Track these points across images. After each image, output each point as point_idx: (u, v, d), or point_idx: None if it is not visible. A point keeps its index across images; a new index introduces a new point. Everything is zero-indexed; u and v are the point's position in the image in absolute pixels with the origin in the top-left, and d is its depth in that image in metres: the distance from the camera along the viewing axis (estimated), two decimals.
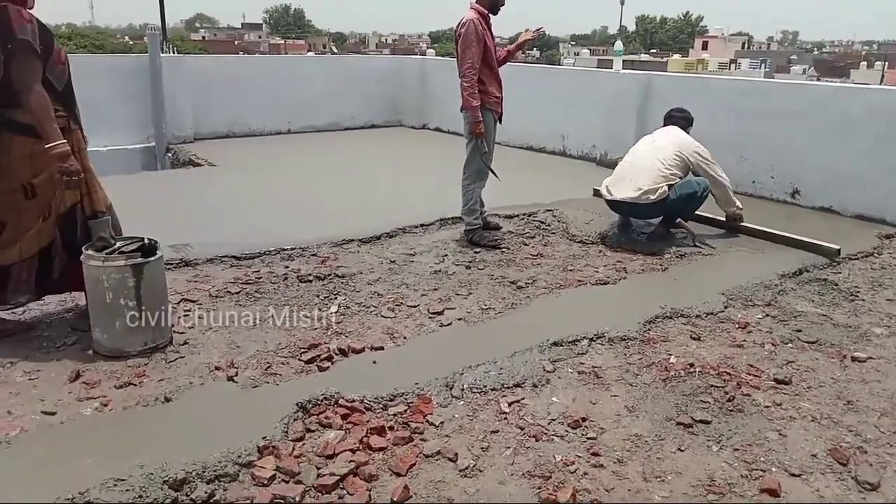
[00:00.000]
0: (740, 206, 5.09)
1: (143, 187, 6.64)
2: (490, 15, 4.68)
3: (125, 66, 8.41)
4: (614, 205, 5.01)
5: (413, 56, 14.84)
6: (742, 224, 5.13)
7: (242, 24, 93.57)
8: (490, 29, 4.68)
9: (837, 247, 4.63)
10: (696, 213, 5.16)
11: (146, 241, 3.18)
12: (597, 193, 5.60)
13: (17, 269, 3.15)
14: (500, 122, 4.88)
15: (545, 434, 2.58)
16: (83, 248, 3.06)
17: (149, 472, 2.23)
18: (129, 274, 2.99)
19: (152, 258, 3.08)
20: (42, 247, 3.15)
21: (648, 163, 4.83)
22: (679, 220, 5.01)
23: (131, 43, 43.73)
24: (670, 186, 4.72)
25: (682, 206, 4.85)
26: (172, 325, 3.30)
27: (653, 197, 4.68)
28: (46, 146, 2.94)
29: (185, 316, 3.53)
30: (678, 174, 4.80)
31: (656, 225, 5.07)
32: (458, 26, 4.63)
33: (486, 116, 4.63)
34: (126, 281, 2.99)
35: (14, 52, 2.89)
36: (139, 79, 8.21)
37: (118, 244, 3.11)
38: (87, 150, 3.33)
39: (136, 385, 2.85)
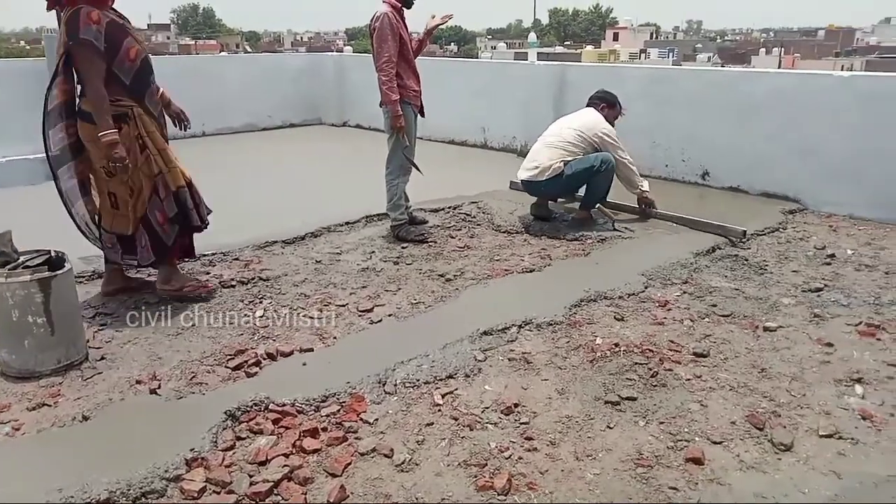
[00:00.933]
0: (645, 188, 5.14)
1: (48, 198, 6.26)
2: (404, 8, 4.67)
3: (21, 72, 7.90)
4: (525, 186, 5.16)
5: (330, 53, 14.64)
6: (655, 210, 5.23)
7: (149, 25, 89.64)
8: (404, 22, 4.67)
9: (743, 229, 4.79)
10: (614, 201, 5.30)
11: (53, 253, 3.01)
12: (514, 186, 5.74)
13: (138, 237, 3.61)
14: (423, 116, 4.89)
15: (479, 423, 2.61)
16: None
17: (68, 496, 2.12)
18: (35, 289, 2.83)
19: (60, 271, 2.92)
20: (141, 217, 3.57)
21: (549, 143, 5.01)
22: (599, 205, 5.15)
23: (27, 48, 41.28)
24: (566, 163, 4.86)
25: (581, 180, 4.95)
26: (88, 340, 3.15)
27: (547, 174, 4.86)
28: (98, 134, 3.31)
29: (100, 329, 3.37)
30: (577, 153, 4.92)
31: (577, 210, 5.21)
32: (372, 20, 4.59)
33: (405, 110, 4.62)
34: (33, 297, 2.83)
35: (76, 50, 3.26)
36: (37, 85, 7.69)
37: (22, 258, 2.94)
38: None
39: (50, 406, 2.70)
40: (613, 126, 5.14)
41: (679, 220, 5.12)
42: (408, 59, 4.66)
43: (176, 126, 3.88)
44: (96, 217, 3.69)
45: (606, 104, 5.21)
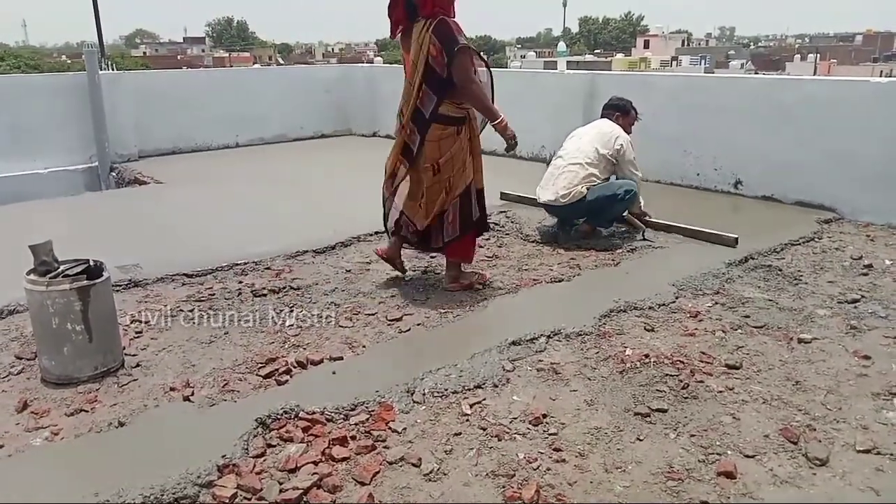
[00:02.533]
0: (644, 211, 5.07)
1: (87, 208, 6.47)
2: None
3: (63, 85, 8.17)
4: (546, 208, 5.08)
5: (360, 64, 14.80)
6: (649, 219, 5.09)
7: (185, 39, 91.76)
8: None
9: (735, 236, 4.70)
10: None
11: (91, 262, 3.09)
12: (504, 196, 5.81)
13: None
14: None
15: (507, 433, 2.61)
16: (25, 274, 2.97)
17: (105, 500, 2.17)
18: (74, 297, 2.90)
19: (98, 280, 3.00)
20: (437, 214, 3.91)
21: (568, 164, 4.86)
22: (627, 216, 5.10)
23: (69, 62, 42.49)
24: (589, 188, 4.75)
25: (601, 208, 4.83)
26: (124, 348, 3.23)
27: (565, 200, 4.77)
28: (492, 122, 3.86)
29: (136, 337, 3.45)
30: (598, 175, 4.80)
31: (582, 222, 5.08)
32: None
33: None
34: (72, 305, 2.91)
35: (457, 55, 3.60)
36: (78, 98, 8.00)
37: (62, 267, 3.02)
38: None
39: (87, 411, 2.77)
40: (630, 132, 5.07)
41: (671, 228, 5.01)
42: None
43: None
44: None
45: (620, 113, 5.11)
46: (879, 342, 3.36)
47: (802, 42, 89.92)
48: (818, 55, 47.77)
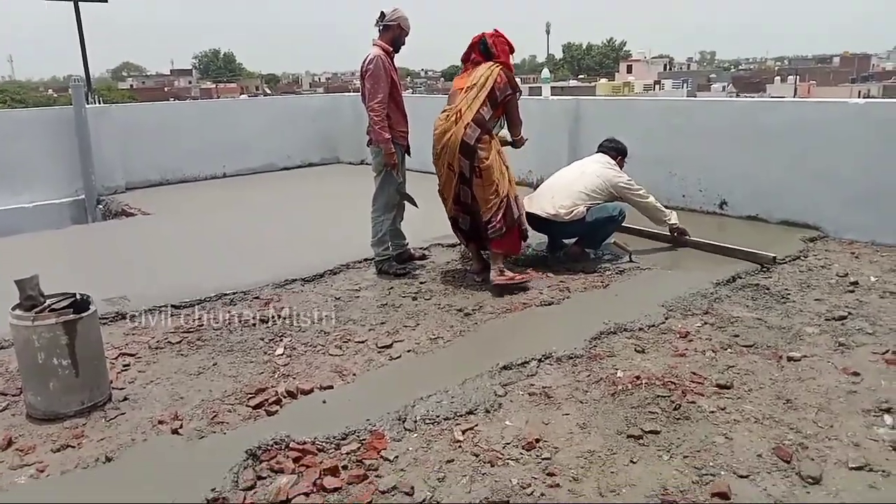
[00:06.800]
0: (673, 220, 5.19)
1: (74, 241, 6.44)
2: (393, 52, 4.77)
3: (49, 119, 8.18)
4: (539, 223, 5.07)
5: (347, 93, 14.90)
6: (687, 237, 5.26)
7: (171, 71, 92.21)
8: (394, 64, 4.79)
9: (772, 255, 4.83)
10: (648, 229, 5.32)
11: (78, 296, 3.07)
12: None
13: None
14: (409, 155, 4.99)
15: (500, 459, 2.59)
16: (10, 309, 2.93)
17: None
18: (60, 332, 2.88)
19: (85, 314, 2.97)
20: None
21: (571, 183, 4.99)
22: (615, 241, 5.14)
23: (55, 95, 42.55)
24: (588, 209, 4.87)
25: (598, 228, 4.97)
26: (111, 381, 3.19)
27: (566, 217, 4.84)
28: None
29: (123, 370, 3.41)
30: (598, 199, 4.95)
31: (571, 244, 5.18)
32: (364, 62, 4.70)
33: (395, 150, 4.72)
34: (58, 339, 2.88)
35: (515, 99, 4.67)
36: (65, 131, 8.00)
37: (48, 301, 2.99)
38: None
39: (74, 447, 2.73)
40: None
41: (711, 247, 5.12)
42: (397, 100, 4.77)
43: None
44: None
45: (623, 156, 5.32)
46: (868, 358, 3.38)
47: (782, 64, 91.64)
48: (798, 77, 48.69)
